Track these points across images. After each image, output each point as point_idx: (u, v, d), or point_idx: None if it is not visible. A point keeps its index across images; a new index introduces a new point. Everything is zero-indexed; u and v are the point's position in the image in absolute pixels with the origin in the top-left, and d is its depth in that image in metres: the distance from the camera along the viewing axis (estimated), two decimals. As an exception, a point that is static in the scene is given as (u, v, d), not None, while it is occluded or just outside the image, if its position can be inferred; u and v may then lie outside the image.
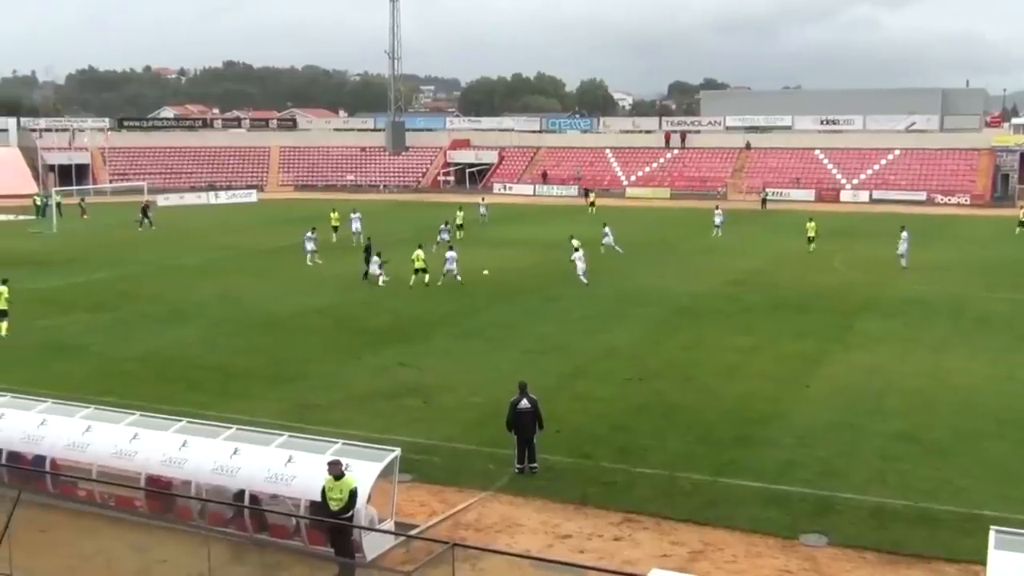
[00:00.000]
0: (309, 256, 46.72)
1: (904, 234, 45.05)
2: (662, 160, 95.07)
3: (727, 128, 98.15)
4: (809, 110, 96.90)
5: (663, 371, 26.43)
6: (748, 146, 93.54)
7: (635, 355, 28.27)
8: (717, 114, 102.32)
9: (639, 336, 30.93)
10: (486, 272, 42.39)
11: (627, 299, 36.99)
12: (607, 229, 50.06)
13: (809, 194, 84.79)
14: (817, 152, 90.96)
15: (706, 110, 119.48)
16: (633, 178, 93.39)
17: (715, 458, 19.61)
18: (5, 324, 31.51)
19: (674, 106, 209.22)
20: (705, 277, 42.24)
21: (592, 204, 74.83)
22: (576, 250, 41.88)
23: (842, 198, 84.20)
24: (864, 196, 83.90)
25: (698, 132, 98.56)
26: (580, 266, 40.91)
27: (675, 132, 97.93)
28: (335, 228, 55.49)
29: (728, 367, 26.79)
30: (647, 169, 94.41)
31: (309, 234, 47.66)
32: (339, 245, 51.83)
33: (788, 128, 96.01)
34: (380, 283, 40.21)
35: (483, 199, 71.61)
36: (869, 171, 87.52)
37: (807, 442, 20.58)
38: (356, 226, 54.48)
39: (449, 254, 41.34)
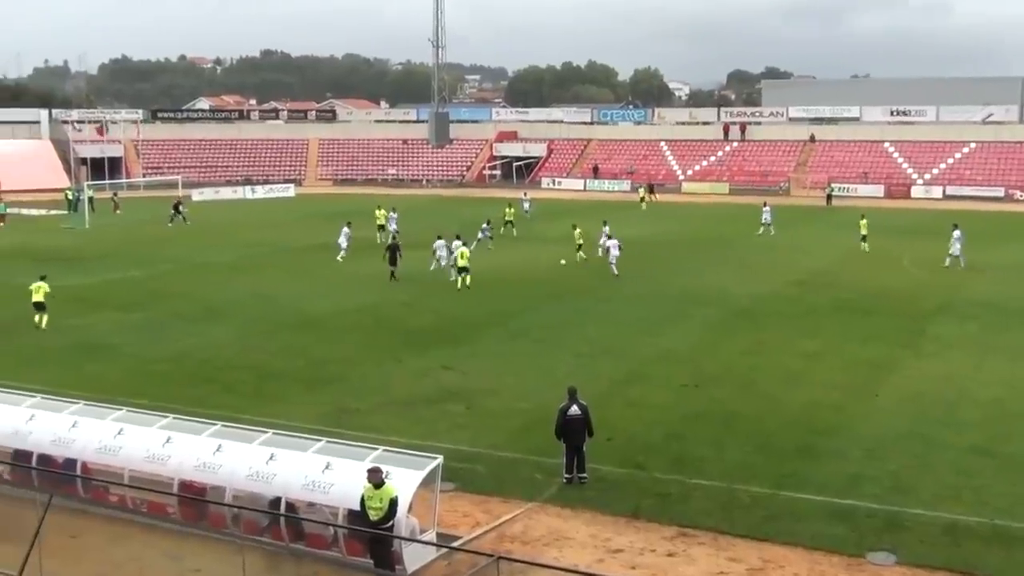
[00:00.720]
0: (342, 253, 47.47)
1: (956, 233, 44.51)
2: (720, 153, 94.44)
3: (790, 119, 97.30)
4: (878, 100, 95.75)
5: (721, 377, 26.27)
6: (812, 139, 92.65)
7: (692, 359, 28.13)
8: (779, 105, 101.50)
9: (696, 339, 30.77)
10: (563, 262, 44.19)
11: (684, 300, 36.81)
12: (606, 229, 48.24)
13: (878, 190, 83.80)
14: (886, 145, 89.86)
15: (768, 100, 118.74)
16: (689, 172, 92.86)
17: (776, 470, 19.45)
18: (45, 318, 33.15)
19: (733, 96, 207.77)
20: (766, 277, 41.94)
21: (643, 200, 74.53)
22: (609, 237, 43.23)
23: (913, 194, 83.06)
24: (937, 192, 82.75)
25: (759, 124, 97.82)
26: (614, 253, 42.20)
27: (734, 124, 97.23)
28: (380, 227, 55.79)
29: (791, 373, 26.56)
30: (704, 163, 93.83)
31: (346, 229, 48.43)
32: (383, 244, 51.77)
33: (855, 119, 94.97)
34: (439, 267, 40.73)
35: (525, 193, 71.54)
36: (942, 165, 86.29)
37: (875, 454, 20.34)
38: (393, 226, 54.81)
39: (439, 243, 42.64)
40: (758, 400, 24.16)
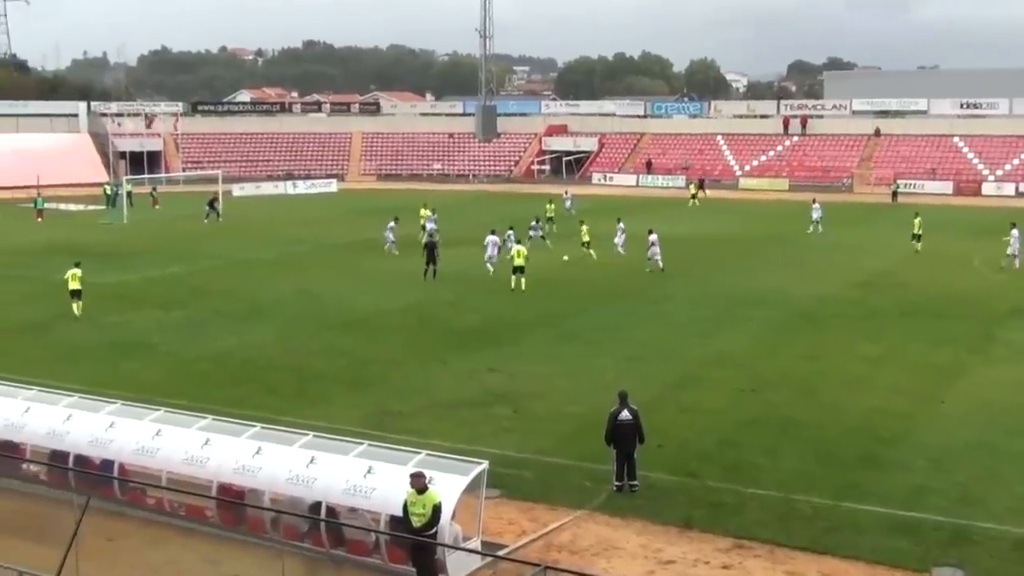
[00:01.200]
0: (388, 247, 48.41)
1: (1015, 232, 43.94)
2: (780, 148, 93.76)
3: (853, 112, 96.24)
4: (947, 92, 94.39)
5: (779, 382, 26.11)
6: (877, 132, 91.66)
7: (748, 363, 27.97)
8: (842, 97, 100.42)
9: (752, 342, 30.61)
10: (566, 258, 44.32)
11: (740, 301, 36.61)
12: (621, 225, 48.69)
13: (946, 186, 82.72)
14: (956, 139, 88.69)
15: (830, 92, 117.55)
16: (747, 168, 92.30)
17: (837, 480, 19.29)
18: (79, 304, 34.63)
19: (794, 88, 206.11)
20: (827, 277, 41.61)
21: (694, 196, 74.20)
22: (650, 232, 43.94)
23: (984, 191, 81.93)
24: (1009, 189, 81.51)
25: (821, 117, 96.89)
26: (654, 249, 43.03)
27: (795, 117, 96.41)
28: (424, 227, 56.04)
29: (853, 379, 26.34)
30: (763, 158, 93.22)
31: (391, 224, 49.01)
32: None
33: (923, 112, 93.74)
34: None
35: (567, 191, 70.98)
36: (1015, 161, 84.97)
37: (942, 464, 20.11)
38: (431, 226, 54.91)
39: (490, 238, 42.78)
40: (818, 406, 23.98)
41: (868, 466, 20.06)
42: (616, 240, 48.08)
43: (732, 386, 25.72)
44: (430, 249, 41.93)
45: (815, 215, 57.85)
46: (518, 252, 39.28)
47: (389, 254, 47.83)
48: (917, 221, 50.03)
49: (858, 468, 19.94)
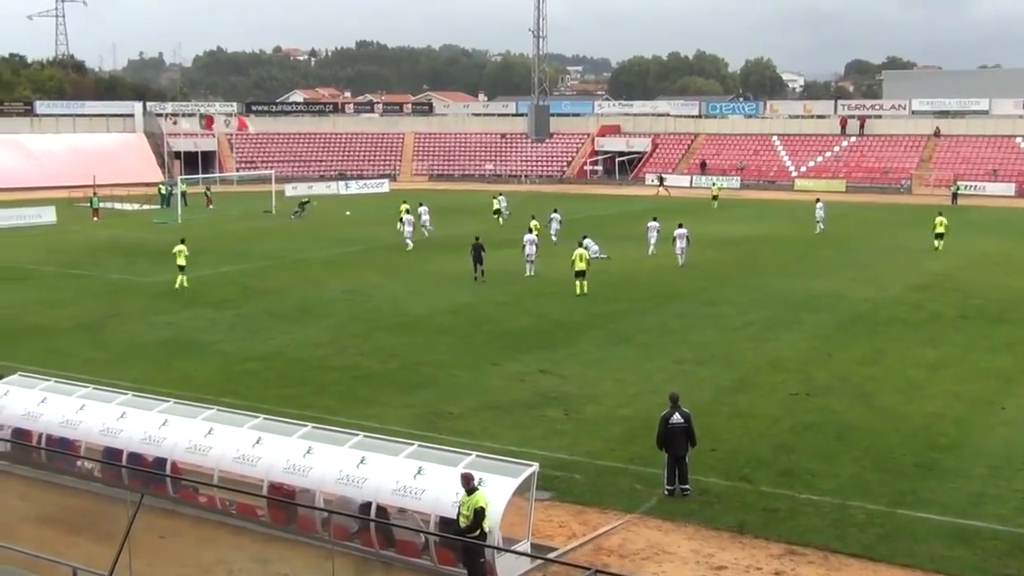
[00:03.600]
0: (406, 236, 51.23)
1: None
2: (837, 149, 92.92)
3: (913, 113, 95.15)
4: (1009, 92, 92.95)
5: (835, 386, 25.87)
6: (937, 133, 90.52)
7: (803, 368, 27.74)
8: (902, 97, 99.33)
9: (808, 346, 30.34)
10: (607, 256, 44.07)
11: (796, 304, 36.31)
12: (655, 224, 49.32)
13: (1008, 188, 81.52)
14: (1019, 140, 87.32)
15: (889, 92, 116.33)
16: (803, 169, 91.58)
17: (893, 486, 19.07)
18: (185, 278, 39.95)
19: (852, 88, 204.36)
20: (884, 280, 41.14)
21: (715, 198, 74.27)
22: (679, 226, 45.28)
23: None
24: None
25: (879, 117, 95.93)
26: (680, 244, 44.69)
27: (852, 117, 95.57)
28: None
29: (910, 384, 26.03)
30: (819, 159, 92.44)
31: (409, 216, 52.49)
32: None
33: (984, 112, 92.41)
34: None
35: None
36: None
37: (1002, 472, 19.81)
38: (424, 218, 56.04)
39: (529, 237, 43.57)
40: (874, 412, 23.73)
41: (925, 473, 19.81)
42: (647, 237, 48.92)
43: (786, 390, 25.52)
44: (476, 250, 42.04)
45: (819, 214, 58.14)
46: (579, 256, 38.83)
47: (404, 246, 50.39)
48: (939, 220, 50.16)
49: (915, 475, 19.70)
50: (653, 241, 48.73)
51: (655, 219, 49.67)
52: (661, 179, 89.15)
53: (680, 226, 45.79)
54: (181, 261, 40.02)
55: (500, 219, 62.83)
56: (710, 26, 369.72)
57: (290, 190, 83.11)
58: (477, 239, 42.90)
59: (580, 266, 38.54)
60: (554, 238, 52.15)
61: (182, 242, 40.57)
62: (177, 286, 39.66)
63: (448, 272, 43.52)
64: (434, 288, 40.35)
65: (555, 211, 55.37)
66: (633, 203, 75.32)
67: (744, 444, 21.53)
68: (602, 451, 21.19)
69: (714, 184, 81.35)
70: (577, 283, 38.45)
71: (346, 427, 19.20)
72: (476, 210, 67.43)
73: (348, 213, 67.62)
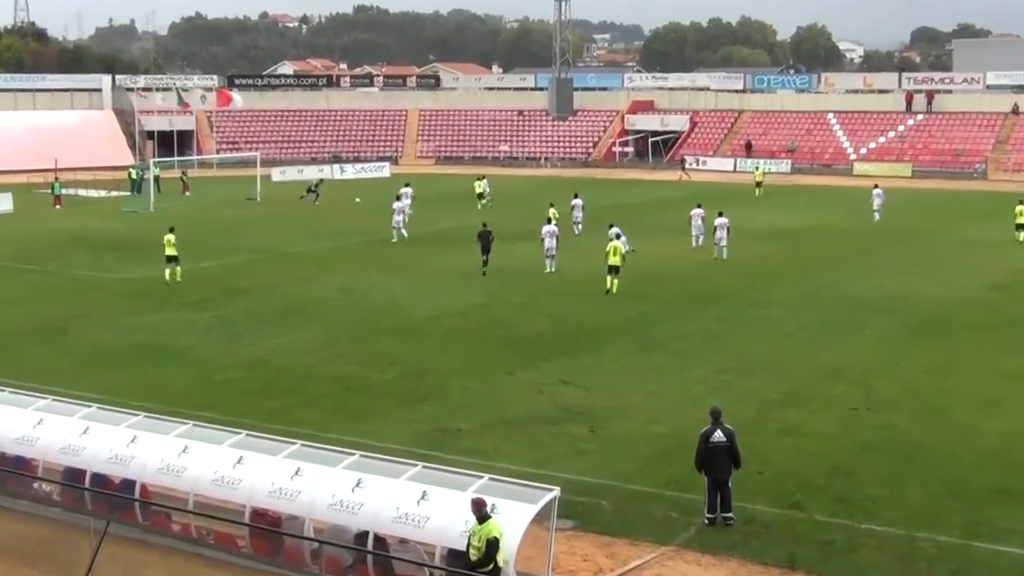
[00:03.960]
0: (397, 226, 51.90)
1: None
2: (901, 128, 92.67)
3: (988, 87, 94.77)
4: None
5: (901, 401, 25.77)
6: (1016, 110, 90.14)
7: (864, 379, 27.66)
8: (975, 69, 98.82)
9: (869, 354, 30.27)
10: (632, 250, 42.87)
11: (856, 305, 36.18)
12: (700, 211, 49.44)
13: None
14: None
15: (960, 64, 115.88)
16: (863, 151, 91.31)
17: (968, 515, 18.98)
18: (179, 269, 40.62)
19: (918, 59, 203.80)
20: (957, 279, 40.99)
21: (759, 184, 74.05)
22: (719, 214, 45.91)
23: None
24: None
25: (949, 92, 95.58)
26: (719, 235, 45.26)
27: (919, 92, 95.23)
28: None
29: (988, 398, 25.91)
30: (882, 140, 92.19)
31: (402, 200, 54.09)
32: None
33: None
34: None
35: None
36: None
37: (1093, 499, 19.67)
38: (405, 202, 56.59)
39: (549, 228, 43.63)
40: (947, 430, 23.63)
41: (1005, 500, 19.70)
42: (693, 229, 48.93)
43: (845, 404, 25.43)
44: (484, 239, 42.36)
45: (876, 202, 58.34)
46: (614, 249, 38.58)
47: (398, 238, 51.17)
48: (1020, 209, 50.29)
49: (993, 502, 19.60)
50: (698, 232, 48.69)
51: (700, 206, 49.58)
52: (683, 162, 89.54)
53: (720, 215, 46.05)
54: (171, 251, 40.51)
55: (480, 204, 64.07)
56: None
57: (277, 175, 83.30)
58: (485, 225, 43.00)
59: (614, 260, 38.35)
60: (576, 228, 52.34)
61: (171, 231, 41.01)
62: (168, 280, 40.09)
63: (457, 268, 43.50)
64: (441, 286, 40.33)
65: (576, 196, 55.63)
66: (668, 189, 75.23)
67: (796, 466, 21.45)
68: (633, 473, 21.11)
69: (757, 168, 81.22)
70: (608, 279, 38.34)
71: (340, 445, 19.15)
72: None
73: (358, 200, 67.81)
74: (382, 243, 51.30)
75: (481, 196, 65.83)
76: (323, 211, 64.36)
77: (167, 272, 40.30)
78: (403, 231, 51.89)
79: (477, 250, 42.43)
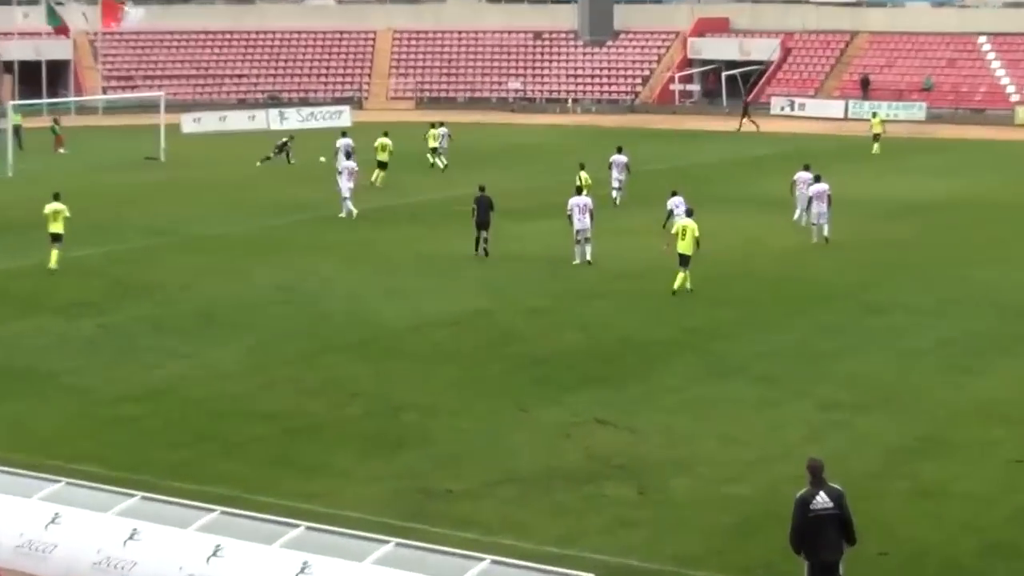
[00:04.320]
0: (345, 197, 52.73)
1: None
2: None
3: None
4: None
5: (1084, 449, 25.66)
6: None
7: (1030, 417, 27.58)
8: None
9: (1037, 382, 30.19)
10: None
11: (1015, 312, 36.16)
12: (804, 175, 49.06)
13: None
14: None
15: None
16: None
17: None
18: (57, 253, 41.27)
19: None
20: None
21: (877, 137, 74.11)
22: (816, 179, 46.20)
23: None
24: None
25: None
26: (817, 209, 45.49)
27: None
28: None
29: None
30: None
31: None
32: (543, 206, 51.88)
33: None
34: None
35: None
36: None
37: None
38: (342, 159, 57.18)
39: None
40: None
41: None
42: (798, 198, 48.97)
43: (1006, 455, 25.37)
44: (482, 207, 42.86)
45: None
46: (684, 229, 38.06)
47: (347, 214, 51.93)
48: None
49: None
50: (802, 205, 48.31)
51: (807, 168, 48.87)
52: (745, 107, 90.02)
53: (818, 179, 45.90)
54: (56, 227, 41.27)
55: (435, 161, 65.86)
56: None
57: (189, 123, 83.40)
58: (482, 190, 43.00)
59: (684, 247, 38.03)
60: (617, 196, 52.71)
61: (56, 198, 41.85)
62: (53, 266, 41.14)
63: (444, 255, 43.45)
64: (423, 283, 40.29)
65: (619, 151, 55.74)
66: (752, 144, 75.15)
67: (935, 543, 21.39)
68: (700, 554, 21.02)
69: (875, 115, 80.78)
70: (680, 274, 38.05)
71: (276, 513, 19.21)
72: (495, 156, 67.50)
73: (323, 159, 67.95)
74: (334, 221, 51.31)
75: (435, 152, 66.02)
76: (259, 176, 64.30)
77: (53, 255, 41.05)
78: (351, 205, 52.03)
79: (472, 224, 42.75)
